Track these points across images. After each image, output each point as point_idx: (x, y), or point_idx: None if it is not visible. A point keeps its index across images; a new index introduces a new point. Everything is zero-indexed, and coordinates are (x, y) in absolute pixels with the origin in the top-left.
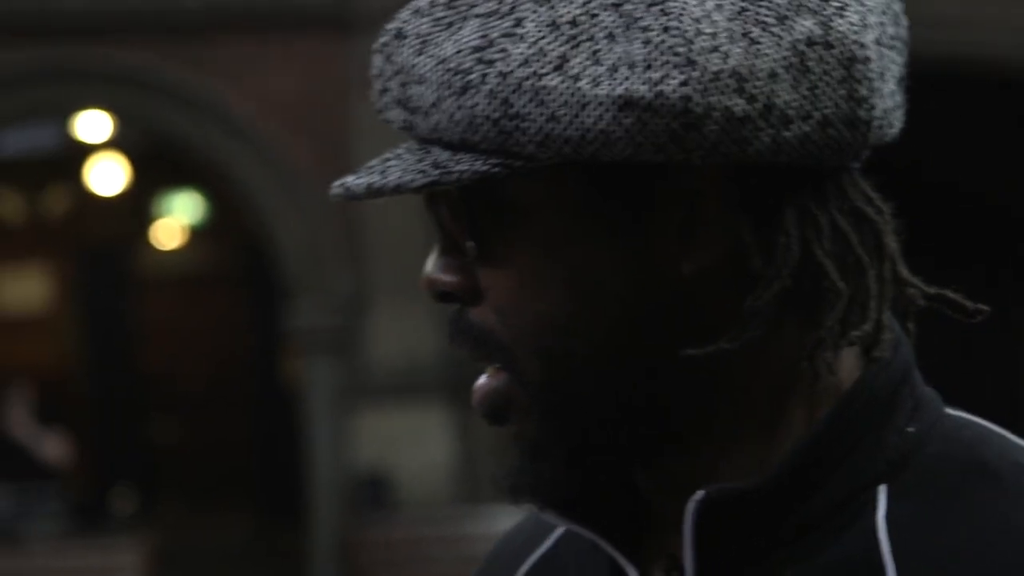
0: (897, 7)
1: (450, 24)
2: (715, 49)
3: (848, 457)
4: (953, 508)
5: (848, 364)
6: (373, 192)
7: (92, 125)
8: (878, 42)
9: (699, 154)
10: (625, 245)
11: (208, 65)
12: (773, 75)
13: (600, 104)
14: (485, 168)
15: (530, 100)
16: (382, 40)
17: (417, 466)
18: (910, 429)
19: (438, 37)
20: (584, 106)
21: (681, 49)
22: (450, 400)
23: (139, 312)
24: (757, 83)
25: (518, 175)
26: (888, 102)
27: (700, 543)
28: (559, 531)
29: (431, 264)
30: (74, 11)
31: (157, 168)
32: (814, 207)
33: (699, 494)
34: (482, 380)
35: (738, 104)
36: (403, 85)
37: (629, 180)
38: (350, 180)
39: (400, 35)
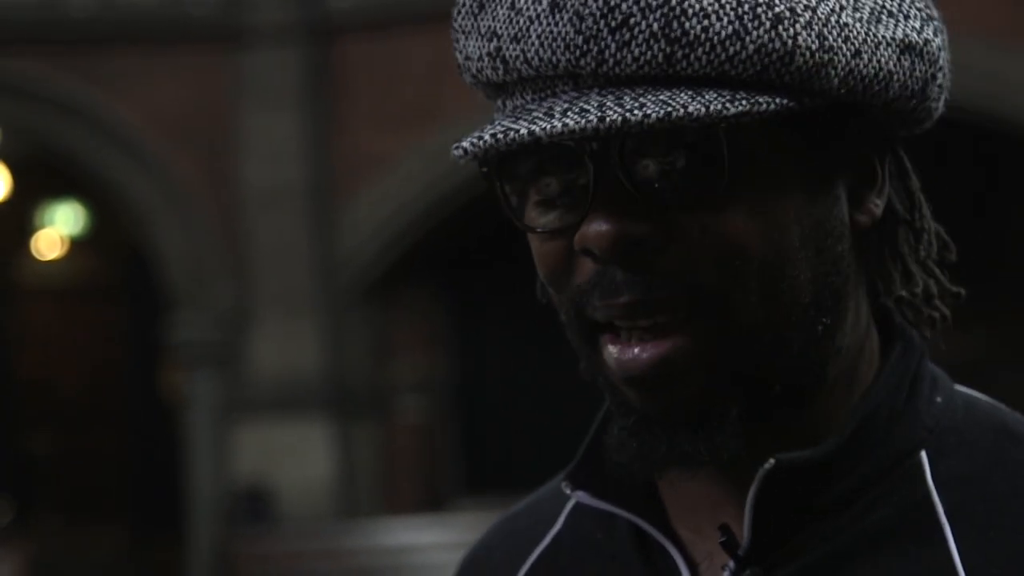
0: None
1: None
2: (936, 17)
3: (892, 425)
4: (990, 467)
5: (873, 345)
6: (657, 122)
7: None
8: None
9: (932, 104)
10: (823, 194)
11: (93, 76)
12: (945, 43)
13: (888, 45)
14: (791, 104)
15: (839, 35)
16: None
17: (297, 480)
18: (938, 399)
19: None
20: (878, 45)
21: (925, 9)
22: (331, 414)
23: (18, 322)
24: (943, 50)
25: (795, 114)
26: None
27: (757, 510)
28: (558, 525)
29: (604, 217)
30: None
31: (39, 178)
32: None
33: (770, 462)
34: (645, 345)
35: (946, 65)
36: (667, 20)
37: (832, 134)
38: (610, 115)
39: None
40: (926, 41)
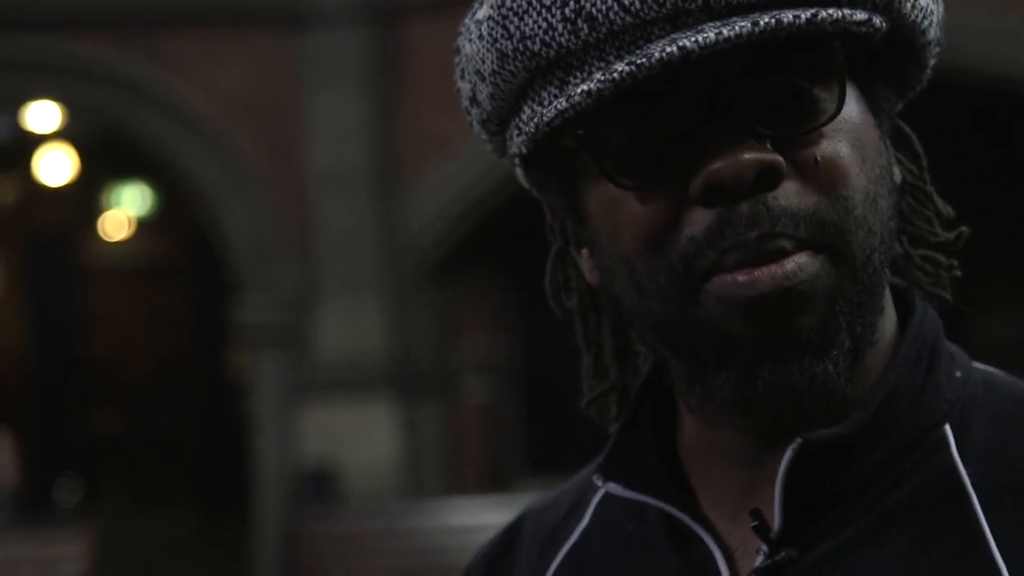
0: None
1: None
2: None
3: (915, 399)
4: (1015, 438)
5: (890, 317)
6: (810, 24)
7: (42, 116)
8: None
9: (930, 63)
10: (883, 136)
11: (159, 57)
12: None
13: None
14: (886, 23)
15: None
16: None
17: (363, 461)
18: (957, 374)
19: None
20: None
21: None
22: (396, 394)
23: (85, 303)
24: None
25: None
26: None
27: (788, 491)
28: (585, 519)
29: (726, 155)
30: (26, 2)
31: (106, 159)
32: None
33: (796, 442)
34: (775, 264)
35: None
36: None
37: (884, 75)
38: (764, 19)
39: None
40: None
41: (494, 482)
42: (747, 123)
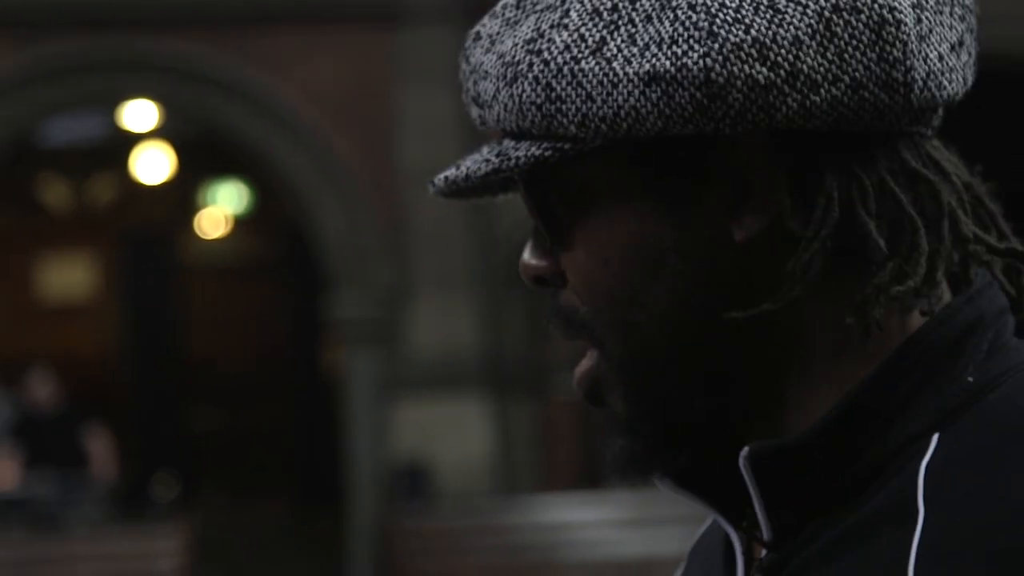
0: None
1: (515, 22)
2: (737, 21)
3: (903, 408)
4: (999, 453)
5: (913, 320)
6: (449, 184)
7: (139, 114)
8: (917, 6)
9: (727, 123)
10: (681, 218)
11: (254, 55)
12: (797, 42)
13: (630, 82)
14: (538, 152)
15: (568, 83)
16: (465, 44)
17: (456, 456)
18: (970, 379)
19: (503, 35)
20: (615, 85)
21: (704, 23)
22: (489, 391)
23: (182, 300)
24: (780, 50)
25: (571, 158)
26: (936, 64)
27: (768, 500)
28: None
29: (527, 251)
30: (122, 1)
31: (202, 157)
32: (859, 170)
33: (744, 451)
34: (580, 364)
35: (760, 72)
36: (475, 83)
37: (681, 157)
38: (439, 175)
39: (477, 37)
40: (680, 67)
41: (586, 478)
42: (534, 226)
